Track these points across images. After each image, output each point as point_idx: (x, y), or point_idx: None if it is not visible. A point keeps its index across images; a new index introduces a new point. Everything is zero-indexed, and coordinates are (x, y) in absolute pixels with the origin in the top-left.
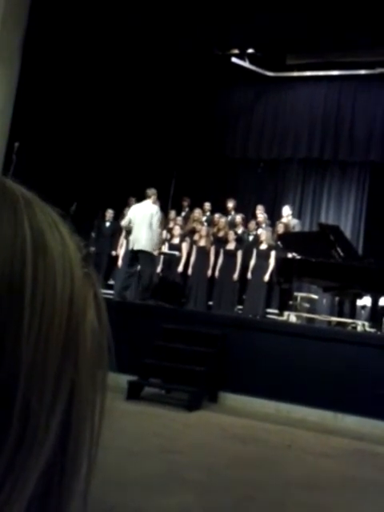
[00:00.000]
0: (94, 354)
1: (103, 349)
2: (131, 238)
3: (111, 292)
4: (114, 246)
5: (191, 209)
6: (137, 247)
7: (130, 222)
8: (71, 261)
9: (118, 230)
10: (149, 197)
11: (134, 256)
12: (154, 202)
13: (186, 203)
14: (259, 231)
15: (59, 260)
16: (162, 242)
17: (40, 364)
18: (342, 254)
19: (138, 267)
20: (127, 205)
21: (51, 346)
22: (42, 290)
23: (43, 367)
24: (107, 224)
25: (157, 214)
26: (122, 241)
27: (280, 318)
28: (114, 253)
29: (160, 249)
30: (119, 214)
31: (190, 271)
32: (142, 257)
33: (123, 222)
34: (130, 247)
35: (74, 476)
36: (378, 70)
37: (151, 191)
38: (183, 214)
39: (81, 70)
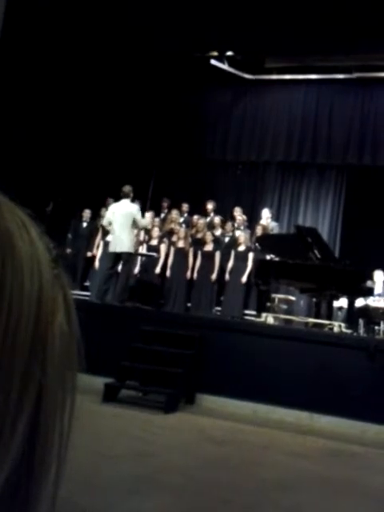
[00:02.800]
0: (63, 355)
1: (73, 351)
2: (112, 239)
3: (88, 293)
4: (91, 247)
5: (170, 210)
6: (120, 249)
7: (109, 223)
8: (40, 262)
9: (94, 231)
10: (127, 195)
11: (116, 258)
12: (132, 201)
13: (165, 204)
14: (237, 233)
15: (27, 261)
16: (141, 242)
17: (6, 365)
18: (319, 255)
19: (118, 268)
20: (105, 205)
21: (18, 347)
22: (9, 291)
23: (9, 368)
24: (84, 224)
25: (138, 213)
26: (99, 241)
27: (258, 320)
28: (89, 253)
29: (137, 249)
30: (96, 215)
31: (168, 273)
32: (124, 258)
33: (104, 223)
34: (112, 249)
35: (42, 478)
36: (356, 75)
37: (128, 188)
38: (162, 215)
39: (59, 70)
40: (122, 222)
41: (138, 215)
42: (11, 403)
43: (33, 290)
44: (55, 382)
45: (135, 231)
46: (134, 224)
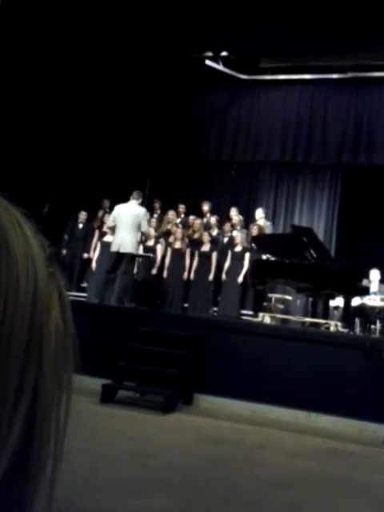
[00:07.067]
0: (58, 352)
1: (68, 348)
2: (115, 239)
3: (85, 295)
4: (87, 249)
5: (163, 211)
6: (123, 250)
7: (113, 221)
8: (35, 260)
9: (90, 232)
10: (135, 198)
11: (117, 259)
12: (140, 205)
13: (157, 205)
14: (234, 233)
15: (22, 259)
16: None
17: (2, 363)
18: (314, 255)
19: (120, 269)
20: (100, 207)
21: (14, 345)
22: (4, 289)
23: (5, 366)
24: (80, 226)
25: (145, 216)
26: (96, 242)
27: (254, 319)
28: (86, 255)
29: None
30: (93, 216)
31: (165, 273)
32: (127, 259)
33: (109, 221)
34: (115, 249)
35: (38, 476)
36: (350, 75)
37: (138, 194)
38: (155, 216)
39: (54, 72)
40: (128, 224)
41: (144, 219)
42: (8, 401)
43: (28, 288)
44: (51, 379)
45: (139, 234)
46: (139, 227)
